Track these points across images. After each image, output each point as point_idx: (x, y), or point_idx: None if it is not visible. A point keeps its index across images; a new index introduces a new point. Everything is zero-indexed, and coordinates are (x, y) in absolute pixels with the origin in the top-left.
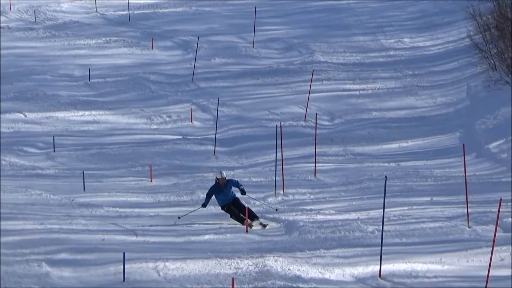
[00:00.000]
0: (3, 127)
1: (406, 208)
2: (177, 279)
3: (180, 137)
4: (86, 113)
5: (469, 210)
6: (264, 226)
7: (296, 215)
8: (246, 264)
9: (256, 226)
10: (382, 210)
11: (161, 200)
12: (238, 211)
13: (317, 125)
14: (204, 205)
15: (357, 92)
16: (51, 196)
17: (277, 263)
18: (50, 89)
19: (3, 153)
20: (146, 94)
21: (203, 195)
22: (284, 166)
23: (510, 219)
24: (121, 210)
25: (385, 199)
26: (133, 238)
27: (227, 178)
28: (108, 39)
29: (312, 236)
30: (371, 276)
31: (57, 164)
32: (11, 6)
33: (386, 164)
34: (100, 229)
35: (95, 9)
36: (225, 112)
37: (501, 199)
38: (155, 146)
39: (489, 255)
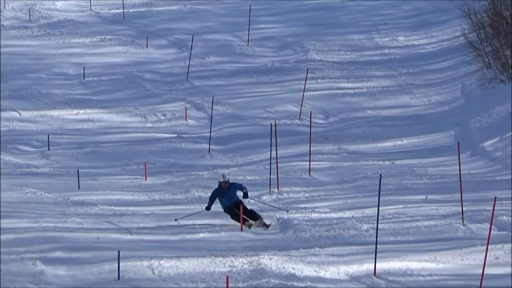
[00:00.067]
0: None
1: (401, 206)
2: (171, 277)
3: (175, 135)
4: (81, 111)
5: (463, 208)
6: (267, 226)
7: (290, 213)
8: (240, 263)
9: (257, 226)
10: (376, 208)
11: (156, 199)
12: (239, 213)
13: (311, 124)
14: (207, 208)
15: (352, 91)
16: (46, 194)
17: (271, 262)
18: (45, 87)
19: None
20: (140, 93)
21: (197, 194)
22: (278, 165)
23: (505, 217)
24: (115, 208)
25: (380, 197)
26: (128, 237)
27: (230, 181)
28: (102, 37)
29: (307, 235)
30: (365, 274)
31: (51, 162)
32: (6, 5)
33: (381, 163)
34: (94, 228)
35: (89, 8)
36: (220, 110)
37: (496, 197)
38: (149, 144)
39: (484, 253)
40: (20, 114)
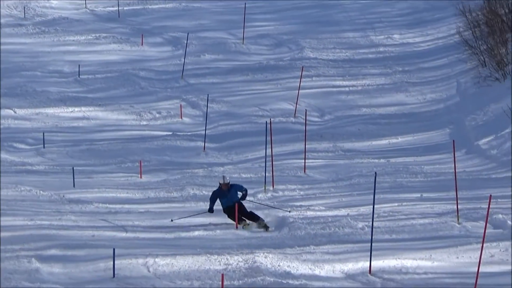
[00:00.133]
0: None
1: (396, 204)
2: (167, 275)
3: (170, 133)
4: (76, 109)
5: (459, 206)
6: (266, 228)
7: (286, 211)
8: (236, 260)
9: (258, 228)
10: (372, 206)
11: (151, 196)
12: (239, 214)
13: (306, 122)
14: (210, 210)
15: (347, 89)
16: (41, 192)
17: (267, 259)
18: (40, 85)
19: None
20: (136, 91)
21: (193, 191)
22: (274, 162)
23: (500, 215)
24: (111, 206)
25: (375, 196)
26: (123, 234)
27: (231, 183)
28: (97, 35)
29: (302, 233)
30: (361, 272)
31: (47, 160)
32: (1, 2)
33: (376, 161)
34: (90, 225)
35: (84, 5)
36: (215, 108)
37: (491, 195)
38: (144, 142)
39: (479, 252)
40: (15, 112)
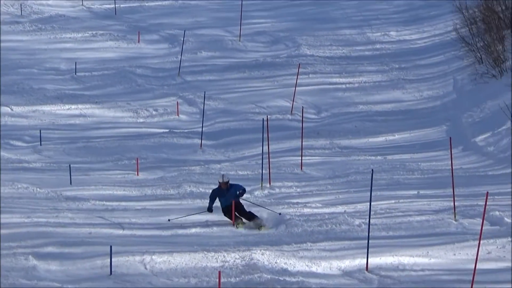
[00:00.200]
0: None
1: (393, 201)
2: (164, 272)
3: (167, 130)
4: (73, 106)
5: (456, 203)
6: (260, 227)
7: (282, 208)
8: (233, 258)
9: (255, 226)
10: (369, 203)
11: (148, 194)
12: (237, 213)
13: (303, 119)
14: (209, 209)
15: (344, 86)
16: (38, 189)
17: (263, 257)
18: (37, 82)
19: None
20: (132, 88)
21: (189, 189)
22: (270, 160)
23: (497, 212)
24: (107, 203)
25: (372, 192)
26: (120, 232)
27: (230, 183)
28: (94, 32)
29: (299, 230)
30: (358, 269)
31: (43, 157)
32: None
33: (373, 158)
34: (86, 223)
35: (81, 3)
36: (212, 105)
37: (487, 192)
38: (141, 139)
39: (476, 248)
40: (12, 109)
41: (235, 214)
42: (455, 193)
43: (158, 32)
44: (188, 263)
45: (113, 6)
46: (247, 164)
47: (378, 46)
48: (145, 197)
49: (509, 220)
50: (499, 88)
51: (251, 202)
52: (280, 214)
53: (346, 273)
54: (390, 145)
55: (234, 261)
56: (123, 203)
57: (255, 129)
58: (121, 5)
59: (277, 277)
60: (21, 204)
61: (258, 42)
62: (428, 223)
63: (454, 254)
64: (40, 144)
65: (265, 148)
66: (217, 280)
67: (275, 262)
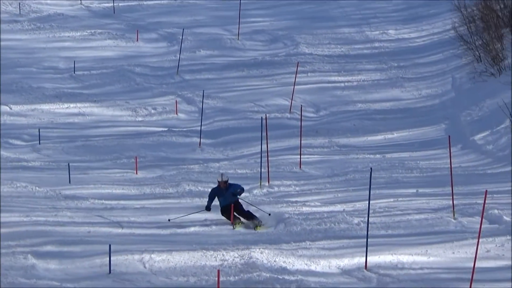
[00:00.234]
0: None
1: (391, 200)
2: (162, 271)
3: (166, 129)
4: (71, 105)
5: (454, 202)
6: (256, 227)
7: (281, 207)
8: (232, 256)
9: (253, 226)
10: (367, 202)
11: (147, 192)
12: (235, 213)
13: (302, 117)
14: (207, 208)
15: (342, 84)
16: (37, 188)
17: (262, 255)
18: (35, 81)
19: None
20: (131, 87)
21: (188, 187)
22: (269, 158)
23: (496, 210)
24: (106, 202)
25: (371, 191)
26: (119, 230)
27: (230, 182)
28: (93, 31)
29: (298, 228)
30: (356, 268)
31: (42, 156)
32: None
33: (372, 156)
34: (85, 222)
35: (79, 1)
36: (210, 104)
37: (486, 190)
38: (140, 138)
39: (475, 247)
40: (10, 108)
41: (234, 214)
42: (454, 192)
43: (156, 31)
44: (187, 261)
45: (111, 4)
46: (246, 163)
47: (376, 44)
48: (144, 195)
49: (508, 219)
50: (497, 87)
51: (244, 201)
52: (270, 214)
53: (345, 272)
54: (389, 144)
55: (233, 259)
56: (122, 202)
57: (254, 127)
58: (120, 4)
59: (276, 276)
60: (20, 203)
61: (256, 40)
62: (427, 221)
63: (453, 253)
64: (39, 143)
65: (264, 146)
66: (216, 278)
67: (274, 261)
